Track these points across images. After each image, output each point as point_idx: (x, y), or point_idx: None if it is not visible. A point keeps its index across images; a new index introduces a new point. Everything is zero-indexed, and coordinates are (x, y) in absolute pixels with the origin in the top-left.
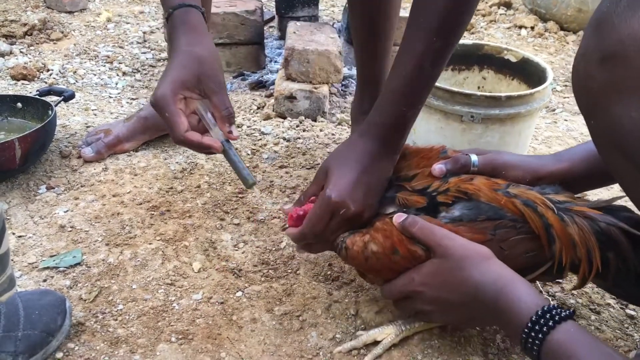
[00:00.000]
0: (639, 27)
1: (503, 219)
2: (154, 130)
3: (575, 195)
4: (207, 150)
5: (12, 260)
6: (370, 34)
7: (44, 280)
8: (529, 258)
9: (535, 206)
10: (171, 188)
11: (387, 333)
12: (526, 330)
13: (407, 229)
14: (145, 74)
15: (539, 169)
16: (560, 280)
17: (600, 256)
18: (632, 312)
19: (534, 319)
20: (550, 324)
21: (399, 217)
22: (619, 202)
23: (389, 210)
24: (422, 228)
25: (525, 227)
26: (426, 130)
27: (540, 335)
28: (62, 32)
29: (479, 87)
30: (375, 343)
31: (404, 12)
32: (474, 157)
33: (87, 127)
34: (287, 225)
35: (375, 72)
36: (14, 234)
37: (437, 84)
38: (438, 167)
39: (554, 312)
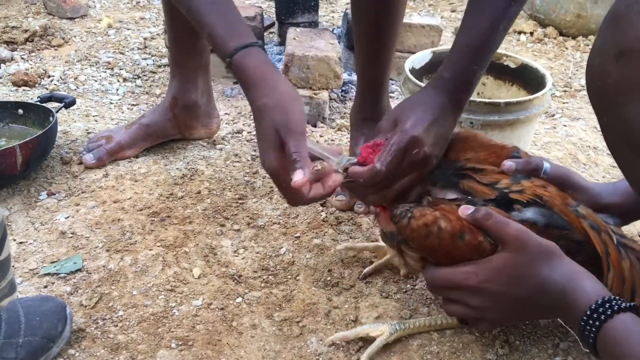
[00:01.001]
0: None
1: (568, 231)
2: (156, 137)
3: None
4: (329, 196)
5: (13, 266)
6: (373, 39)
7: (45, 287)
8: None
9: (600, 230)
10: (171, 194)
11: (381, 330)
12: (585, 317)
13: (479, 221)
14: (146, 80)
15: (600, 199)
16: None
17: None
18: None
19: (593, 307)
20: (608, 312)
21: (465, 209)
22: None
23: (450, 195)
24: (497, 221)
25: (586, 249)
26: None
27: (597, 323)
28: (63, 39)
29: (478, 93)
30: (369, 341)
31: (405, 18)
32: (546, 164)
33: (88, 133)
34: (346, 162)
35: (376, 78)
36: (14, 240)
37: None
38: (508, 164)
39: (613, 302)
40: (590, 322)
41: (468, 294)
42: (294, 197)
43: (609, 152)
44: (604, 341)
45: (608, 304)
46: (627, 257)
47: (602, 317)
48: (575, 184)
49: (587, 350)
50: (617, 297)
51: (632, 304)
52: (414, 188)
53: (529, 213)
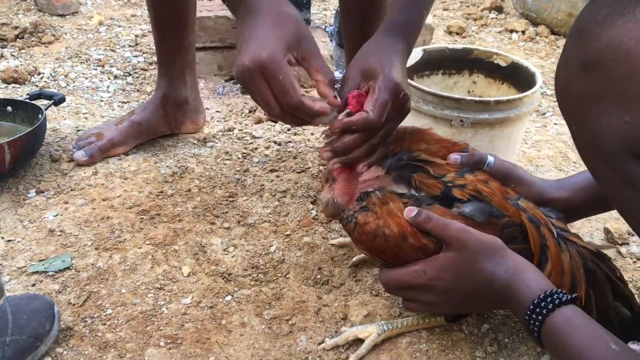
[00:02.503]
0: (617, 36)
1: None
2: (147, 134)
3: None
4: (315, 116)
5: (1, 265)
6: (362, 36)
7: (33, 285)
8: None
9: (539, 224)
10: (161, 192)
11: (369, 331)
12: (528, 312)
13: (421, 225)
14: (137, 77)
15: (544, 194)
16: None
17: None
18: None
19: (535, 301)
20: (550, 306)
21: (410, 212)
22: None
23: (400, 190)
24: (437, 224)
25: (526, 238)
26: None
27: (540, 317)
28: (54, 36)
29: (469, 92)
30: (359, 342)
31: None
32: (490, 158)
33: (78, 130)
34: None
35: None
36: (2, 238)
37: (427, 88)
38: (454, 157)
39: (555, 296)
40: (534, 315)
41: (419, 292)
42: (288, 92)
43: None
44: (547, 334)
45: (550, 298)
46: (566, 250)
47: (544, 310)
48: (519, 178)
49: (534, 343)
50: (560, 291)
51: (574, 296)
52: (391, 134)
53: (468, 208)
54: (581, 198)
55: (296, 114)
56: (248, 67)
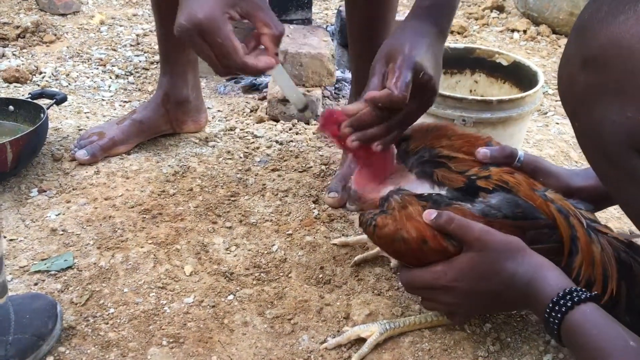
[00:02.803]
0: (619, 33)
1: (537, 219)
2: (148, 133)
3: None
4: (261, 73)
5: (3, 260)
6: (367, 36)
7: (35, 284)
8: None
9: (568, 215)
10: (163, 191)
11: (371, 331)
12: (548, 310)
13: (442, 227)
14: (139, 76)
15: (571, 184)
16: None
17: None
18: None
19: (555, 299)
20: (569, 304)
21: (429, 215)
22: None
23: (420, 189)
24: (459, 225)
25: (555, 236)
26: None
27: (559, 315)
28: (55, 35)
29: (471, 91)
30: (361, 342)
31: (398, 16)
32: (520, 152)
33: (80, 130)
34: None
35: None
36: (5, 237)
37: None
38: (483, 151)
39: (574, 294)
40: (553, 313)
41: (440, 292)
42: (230, 54)
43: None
44: (567, 332)
45: (569, 296)
46: (597, 242)
47: (564, 308)
48: (546, 170)
49: (554, 340)
50: (579, 288)
51: (593, 293)
52: (415, 119)
53: (494, 200)
54: None
55: (241, 73)
56: (185, 27)
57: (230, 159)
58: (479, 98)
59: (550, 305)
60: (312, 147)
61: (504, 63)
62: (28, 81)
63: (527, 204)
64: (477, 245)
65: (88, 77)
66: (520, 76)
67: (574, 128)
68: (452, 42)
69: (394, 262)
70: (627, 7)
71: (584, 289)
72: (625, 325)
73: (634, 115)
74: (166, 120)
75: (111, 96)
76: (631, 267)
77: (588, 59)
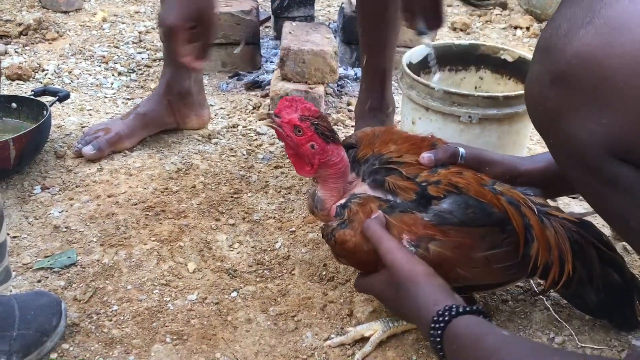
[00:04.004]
0: (581, 46)
1: (491, 217)
2: (153, 126)
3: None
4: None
5: (5, 220)
6: (377, 25)
7: (39, 281)
8: (509, 275)
9: (518, 205)
10: (166, 188)
11: (374, 329)
12: (430, 331)
13: (364, 232)
14: (141, 74)
15: (517, 167)
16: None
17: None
18: None
19: (434, 318)
20: (447, 318)
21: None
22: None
23: (377, 194)
24: (373, 235)
25: (509, 239)
26: (425, 132)
27: (439, 332)
28: (58, 32)
29: (476, 87)
30: (364, 341)
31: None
32: (461, 150)
33: (82, 127)
34: None
35: (382, 62)
36: (8, 234)
37: (434, 84)
38: (427, 156)
39: (452, 310)
40: (433, 332)
41: (376, 296)
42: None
43: None
44: (449, 347)
45: (447, 312)
46: (550, 226)
47: (442, 324)
48: (489, 160)
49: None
50: (455, 305)
51: (473, 307)
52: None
53: (445, 204)
54: (553, 171)
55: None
56: (159, 23)
57: (233, 156)
58: (485, 94)
59: (431, 325)
60: None
61: (509, 59)
62: (30, 78)
63: (477, 202)
64: (385, 262)
65: (90, 75)
66: (525, 72)
67: (549, 145)
68: (455, 39)
69: None
70: (585, 22)
71: (463, 305)
72: (576, 306)
73: (609, 121)
74: (169, 113)
75: (114, 93)
76: (583, 247)
77: (556, 75)
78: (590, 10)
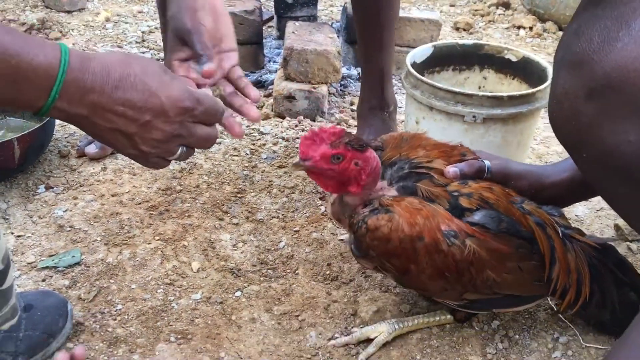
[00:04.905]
0: (621, 59)
1: (520, 234)
2: None
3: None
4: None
5: (12, 261)
6: (375, 24)
7: (43, 280)
8: (536, 286)
9: (545, 226)
10: (170, 188)
11: (379, 331)
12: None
13: None
14: None
15: (543, 180)
16: None
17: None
18: None
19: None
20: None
21: (452, 171)
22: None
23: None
24: None
25: (538, 255)
26: (429, 131)
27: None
28: (61, 32)
29: (479, 87)
30: (369, 341)
31: (403, 12)
32: (487, 163)
33: None
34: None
35: (380, 63)
36: (12, 233)
37: (438, 84)
38: (452, 170)
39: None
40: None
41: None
42: None
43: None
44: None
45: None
46: (572, 249)
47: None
48: (516, 174)
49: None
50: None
51: None
52: None
53: (477, 216)
54: (579, 177)
55: None
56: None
57: (236, 155)
58: (489, 94)
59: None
60: None
61: (513, 59)
62: None
63: (508, 219)
64: None
65: None
66: (529, 72)
67: (579, 159)
68: (458, 38)
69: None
70: (621, 35)
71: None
72: (608, 322)
73: None
74: None
75: None
76: (600, 272)
77: (593, 89)
78: (624, 22)
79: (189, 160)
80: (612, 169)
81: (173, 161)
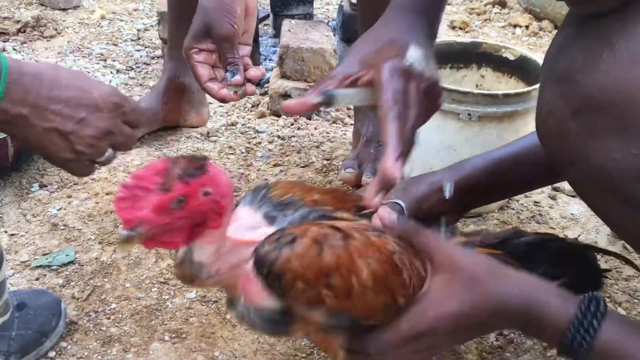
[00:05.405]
0: (605, 79)
1: None
2: (152, 123)
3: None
4: (218, 99)
5: (4, 258)
6: (373, 22)
7: (37, 279)
8: None
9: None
10: None
11: None
12: (569, 336)
13: (408, 233)
14: (139, 71)
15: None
16: None
17: None
18: (623, 312)
19: (575, 323)
20: (594, 323)
21: (388, 213)
22: None
23: None
24: (428, 239)
25: None
26: (424, 129)
27: (587, 338)
28: (56, 30)
29: (477, 86)
30: None
31: None
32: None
33: None
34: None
35: None
36: (6, 232)
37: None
38: (391, 219)
39: (592, 310)
40: (578, 338)
41: (423, 341)
42: (196, 80)
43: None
44: (599, 354)
45: (589, 314)
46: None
47: (591, 331)
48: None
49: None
50: (590, 303)
51: (602, 299)
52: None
53: None
54: (485, 178)
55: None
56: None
57: (232, 154)
58: (484, 92)
59: (572, 331)
60: (314, 142)
61: (511, 57)
62: None
63: None
64: (448, 264)
65: (89, 72)
66: (526, 70)
67: (569, 176)
68: (455, 37)
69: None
70: (605, 55)
71: (595, 298)
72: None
73: (638, 152)
74: (169, 108)
75: None
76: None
77: (578, 108)
78: (608, 43)
79: None
80: (599, 186)
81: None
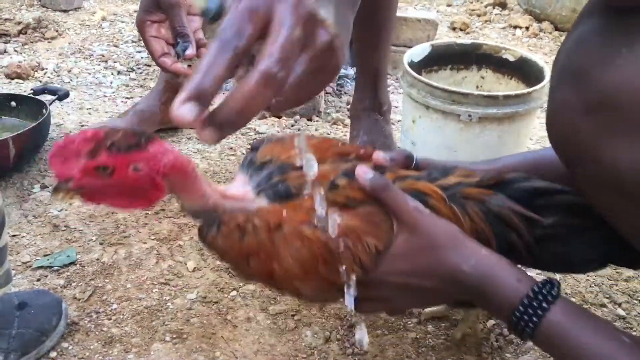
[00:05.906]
0: (621, 75)
1: None
2: (152, 124)
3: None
4: (178, 74)
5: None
6: (369, 26)
7: (38, 280)
8: None
9: (426, 199)
10: None
11: None
12: (517, 314)
13: (377, 192)
14: (140, 73)
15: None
16: None
17: (497, 243)
18: (622, 313)
19: (525, 301)
20: (544, 305)
21: (364, 173)
22: None
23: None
24: (394, 196)
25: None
26: (425, 130)
27: (534, 319)
28: (57, 31)
29: (477, 87)
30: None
31: (400, 12)
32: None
33: (82, 126)
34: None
35: (375, 63)
36: (7, 233)
37: (435, 83)
38: (382, 156)
39: (544, 292)
40: (526, 317)
41: (372, 289)
42: (150, 54)
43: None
44: (545, 335)
45: (540, 295)
46: (465, 214)
47: (538, 311)
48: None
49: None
50: (543, 284)
51: (557, 284)
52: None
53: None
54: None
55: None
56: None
57: (232, 155)
58: (485, 93)
59: (521, 308)
60: None
61: (511, 59)
62: (30, 77)
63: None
64: (410, 223)
65: (90, 74)
66: (527, 72)
67: (576, 174)
68: (455, 38)
69: None
70: (624, 51)
71: (548, 282)
72: (547, 269)
73: None
74: (167, 109)
75: (113, 92)
76: (503, 216)
77: (592, 104)
78: (626, 39)
79: None
80: (608, 185)
81: None
